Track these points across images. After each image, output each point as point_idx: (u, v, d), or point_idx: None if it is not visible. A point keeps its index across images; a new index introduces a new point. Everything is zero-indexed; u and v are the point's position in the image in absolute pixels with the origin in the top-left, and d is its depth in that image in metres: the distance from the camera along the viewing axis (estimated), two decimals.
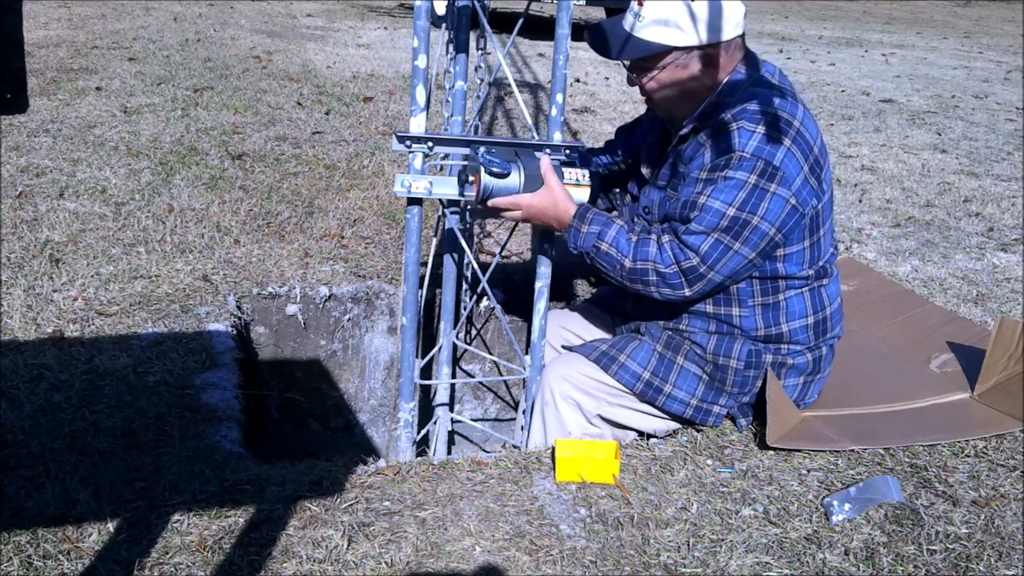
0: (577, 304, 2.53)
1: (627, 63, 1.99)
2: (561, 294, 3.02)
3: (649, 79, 1.96)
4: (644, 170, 2.16)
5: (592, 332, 2.35)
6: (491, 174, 1.90)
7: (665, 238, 1.93)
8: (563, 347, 2.31)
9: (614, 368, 2.08)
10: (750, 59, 1.98)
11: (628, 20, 1.94)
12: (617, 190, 2.34)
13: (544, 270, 2.10)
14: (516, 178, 1.92)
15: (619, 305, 2.29)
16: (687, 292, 1.94)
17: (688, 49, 1.90)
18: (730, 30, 1.90)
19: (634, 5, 1.92)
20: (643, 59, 1.94)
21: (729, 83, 1.94)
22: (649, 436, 2.13)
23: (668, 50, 1.90)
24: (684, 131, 1.98)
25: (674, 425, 2.16)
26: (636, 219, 2.11)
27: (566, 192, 1.97)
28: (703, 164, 1.90)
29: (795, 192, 1.87)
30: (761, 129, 1.85)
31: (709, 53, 1.91)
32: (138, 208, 3.31)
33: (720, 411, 2.11)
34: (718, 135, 1.89)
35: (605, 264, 1.97)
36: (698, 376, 2.07)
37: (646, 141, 2.20)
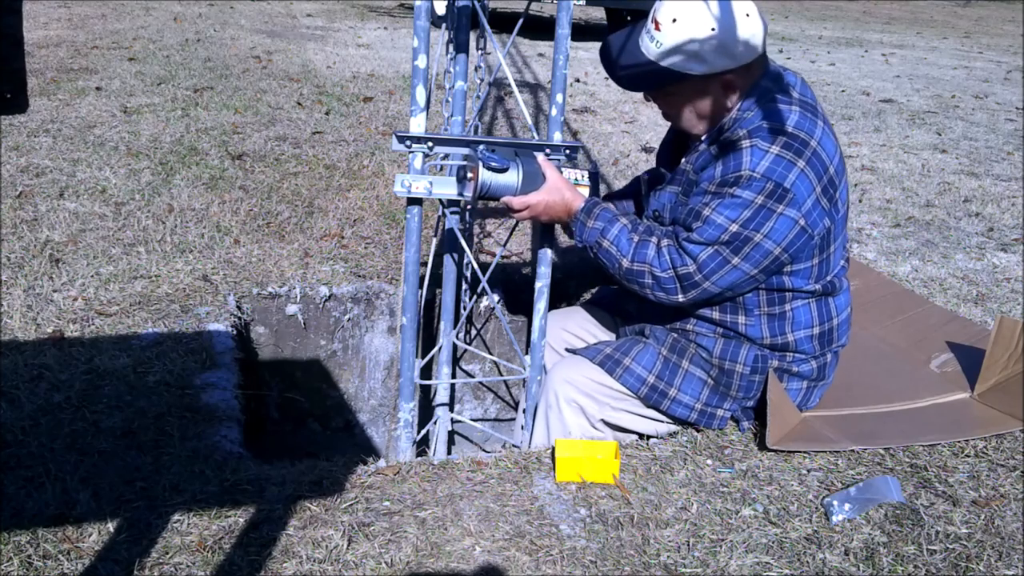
0: (577, 305, 2.53)
1: None
2: (561, 294, 3.02)
3: (666, 103, 1.95)
4: (658, 170, 2.15)
5: (592, 333, 2.35)
6: (490, 169, 1.89)
7: (665, 242, 1.92)
8: (566, 349, 2.30)
9: (619, 371, 2.08)
10: (770, 72, 1.93)
11: (645, 43, 1.87)
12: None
13: (544, 270, 2.10)
14: (514, 175, 1.92)
15: (622, 306, 2.28)
16: (680, 298, 1.93)
17: (707, 76, 1.86)
18: (750, 52, 1.85)
19: (651, 28, 1.85)
20: (659, 84, 1.91)
21: (748, 100, 1.90)
22: (649, 436, 2.13)
23: (686, 77, 1.86)
24: (701, 146, 1.96)
25: (675, 427, 2.16)
26: (647, 220, 2.10)
27: (570, 183, 1.98)
28: (713, 177, 1.87)
29: (805, 214, 1.84)
30: (775, 149, 1.81)
31: (728, 78, 1.86)
32: (138, 208, 3.31)
33: (724, 415, 2.10)
34: (731, 150, 1.85)
35: (606, 260, 1.98)
36: (703, 380, 2.07)
37: (662, 140, 2.20)
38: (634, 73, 1.90)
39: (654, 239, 1.94)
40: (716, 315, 2.02)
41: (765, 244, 1.84)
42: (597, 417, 2.11)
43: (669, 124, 2.24)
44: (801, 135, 1.84)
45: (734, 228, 1.83)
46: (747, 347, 2.03)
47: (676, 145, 2.13)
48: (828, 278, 2.00)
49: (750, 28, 1.82)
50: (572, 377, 2.11)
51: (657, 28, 1.84)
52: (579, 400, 2.10)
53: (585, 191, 2.04)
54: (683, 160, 2.03)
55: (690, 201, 1.92)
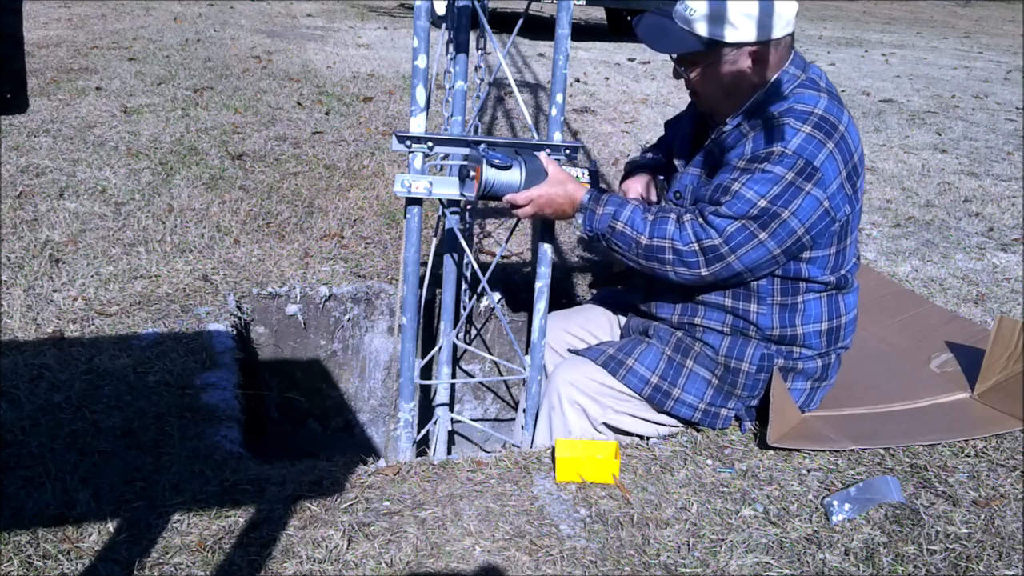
0: (577, 305, 2.52)
1: (674, 56, 1.99)
2: (561, 294, 3.02)
3: (696, 74, 1.95)
4: (676, 162, 2.15)
5: (593, 334, 2.34)
6: (493, 166, 1.89)
7: (687, 217, 1.91)
8: (569, 350, 2.29)
9: (622, 372, 2.07)
10: (798, 60, 1.97)
11: (679, 13, 1.92)
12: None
13: (544, 270, 2.10)
14: (517, 172, 1.92)
15: (627, 300, 2.26)
16: (703, 272, 1.90)
17: (738, 46, 1.88)
18: (780, 28, 1.88)
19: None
20: (691, 54, 1.93)
21: (777, 82, 1.93)
22: (649, 436, 2.13)
23: (717, 45, 1.89)
24: (728, 127, 1.96)
25: (678, 427, 2.15)
26: (666, 203, 2.10)
27: (572, 177, 1.98)
28: (743, 154, 1.89)
29: (829, 196, 1.86)
30: (807, 128, 1.85)
31: (758, 51, 1.89)
32: (138, 208, 3.31)
33: (728, 414, 2.10)
34: (762, 128, 1.89)
35: (621, 244, 1.95)
36: (707, 380, 2.06)
37: (679, 134, 2.20)
38: (668, 38, 1.92)
39: (672, 215, 1.93)
40: (728, 302, 2.02)
41: (791, 222, 1.86)
42: (600, 420, 2.11)
43: (680, 119, 2.24)
44: (831, 119, 1.87)
45: (763, 203, 1.84)
46: (754, 345, 2.03)
47: (695, 137, 2.13)
48: (842, 272, 2.02)
49: (782, 1, 1.87)
50: (575, 378, 2.11)
51: None
52: (582, 402, 2.09)
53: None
54: (707, 142, 2.03)
55: (717, 178, 1.93)
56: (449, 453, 2.65)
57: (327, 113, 4.99)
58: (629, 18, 9.35)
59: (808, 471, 1.97)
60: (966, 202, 4.15)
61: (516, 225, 2.50)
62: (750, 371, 2.04)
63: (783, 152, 1.83)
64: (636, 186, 2.23)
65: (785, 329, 2.03)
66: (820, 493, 1.88)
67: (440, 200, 2.15)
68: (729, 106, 1.97)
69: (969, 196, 4.24)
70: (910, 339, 2.59)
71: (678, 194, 2.05)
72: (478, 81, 2.33)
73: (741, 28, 1.86)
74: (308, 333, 2.87)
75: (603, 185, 3.84)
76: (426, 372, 2.60)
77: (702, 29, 1.88)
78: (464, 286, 2.51)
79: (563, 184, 1.95)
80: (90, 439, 1.96)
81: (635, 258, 1.96)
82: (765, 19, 1.86)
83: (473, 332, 2.95)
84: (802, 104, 1.88)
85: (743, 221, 1.85)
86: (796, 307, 2.02)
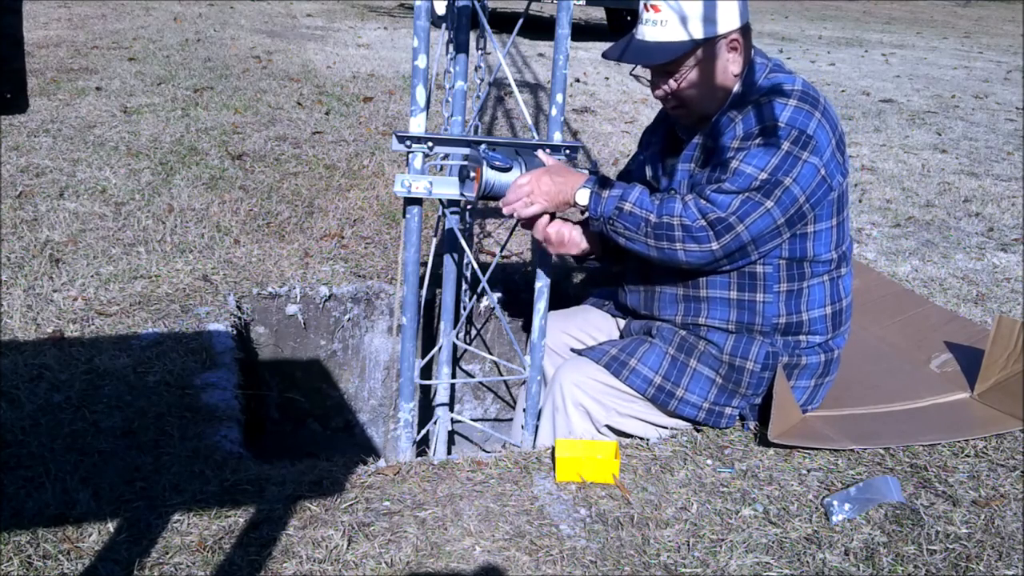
0: (577, 306, 2.52)
1: (647, 80, 2.01)
2: (561, 294, 3.02)
3: (681, 79, 1.97)
4: (651, 177, 2.15)
5: (593, 334, 2.34)
6: (493, 168, 1.90)
7: (689, 197, 1.93)
8: (572, 350, 2.28)
9: (625, 373, 2.07)
10: (758, 49, 2.04)
11: (647, 29, 1.94)
12: None
13: (544, 270, 2.10)
14: (518, 173, 1.93)
15: (627, 301, 2.25)
16: (714, 246, 1.90)
17: (724, 36, 1.94)
18: (745, 14, 1.96)
19: (650, 14, 1.92)
20: (676, 62, 1.94)
21: (752, 70, 2.00)
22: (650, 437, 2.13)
23: (709, 41, 1.93)
24: (714, 120, 1.99)
25: (682, 426, 2.15)
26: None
27: (571, 169, 1.99)
28: (735, 135, 1.94)
29: (825, 163, 1.92)
30: (793, 102, 1.92)
31: (734, 38, 1.95)
32: (138, 208, 3.31)
33: (733, 413, 2.10)
34: (750, 109, 1.94)
35: (629, 225, 1.92)
36: (711, 379, 2.06)
37: (648, 154, 2.20)
38: (655, 49, 1.94)
39: (678, 196, 1.95)
40: (734, 294, 2.02)
41: (793, 189, 1.89)
42: (603, 423, 2.11)
43: (652, 137, 2.26)
44: (811, 93, 1.96)
45: (764, 175, 1.88)
46: (759, 342, 2.03)
47: (669, 149, 2.15)
48: (843, 248, 2.06)
49: None
50: (579, 379, 2.10)
51: (656, 10, 1.92)
52: (586, 404, 2.09)
53: None
54: (696, 136, 2.04)
55: (713, 159, 1.96)
56: (449, 453, 2.65)
57: (327, 113, 4.99)
58: (629, 18, 9.36)
59: (808, 471, 1.97)
60: (966, 202, 4.15)
61: (516, 225, 2.50)
62: (755, 369, 2.04)
63: (776, 125, 1.89)
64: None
65: (791, 316, 2.04)
66: (820, 493, 1.88)
67: (440, 200, 2.15)
68: (713, 106, 2.00)
69: (969, 196, 4.24)
70: (910, 339, 2.59)
71: (673, 191, 2.05)
72: (478, 81, 2.33)
73: (726, 17, 1.93)
74: (308, 333, 2.87)
75: None
76: (426, 372, 2.60)
77: (677, 34, 1.91)
78: (464, 286, 2.51)
79: (561, 169, 1.97)
80: (90, 439, 1.96)
81: (644, 239, 1.93)
82: (730, 7, 1.94)
83: (473, 332, 2.95)
84: (783, 84, 1.96)
85: (747, 193, 1.88)
86: (802, 293, 2.04)
